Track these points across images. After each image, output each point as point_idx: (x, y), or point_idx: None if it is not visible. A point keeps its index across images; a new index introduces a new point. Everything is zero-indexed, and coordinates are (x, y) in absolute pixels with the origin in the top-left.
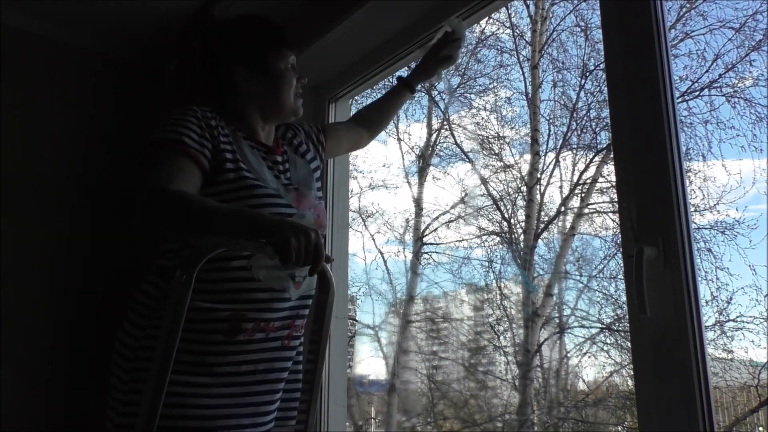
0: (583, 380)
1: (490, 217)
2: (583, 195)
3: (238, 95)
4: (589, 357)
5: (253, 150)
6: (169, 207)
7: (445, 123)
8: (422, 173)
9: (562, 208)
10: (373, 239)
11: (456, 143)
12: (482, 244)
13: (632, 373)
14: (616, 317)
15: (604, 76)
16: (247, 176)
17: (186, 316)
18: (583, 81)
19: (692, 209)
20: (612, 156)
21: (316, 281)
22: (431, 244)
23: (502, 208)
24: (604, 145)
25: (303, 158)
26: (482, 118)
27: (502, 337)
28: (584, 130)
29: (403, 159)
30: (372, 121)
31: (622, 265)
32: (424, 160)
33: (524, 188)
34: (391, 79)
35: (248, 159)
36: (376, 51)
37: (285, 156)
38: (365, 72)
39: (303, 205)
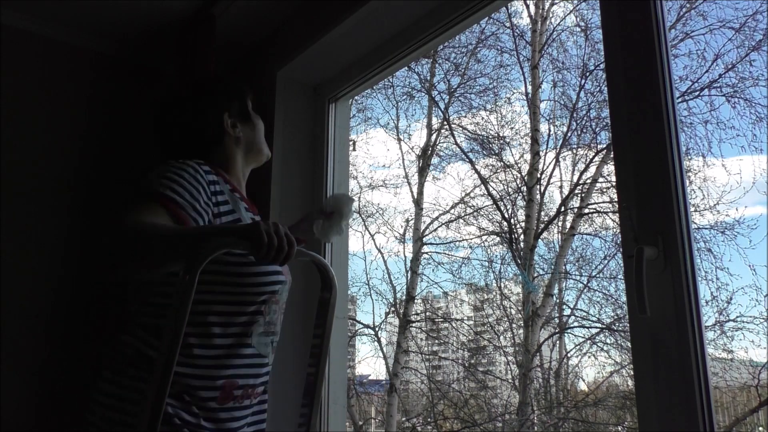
0: (583, 380)
1: (490, 217)
2: (583, 195)
3: (225, 143)
4: (589, 357)
5: (247, 212)
6: (144, 234)
7: (445, 123)
8: (422, 173)
9: (562, 208)
10: (373, 239)
11: (456, 143)
12: (482, 244)
13: (632, 373)
14: (616, 317)
15: (604, 76)
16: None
17: (186, 382)
18: (583, 81)
19: (692, 209)
20: (612, 156)
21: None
22: (431, 244)
23: (502, 208)
24: (604, 145)
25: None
26: (482, 118)
27: (502, 337)
28: (584, 130)
29: (403, 159)
30: None
31: (622, 265)
32: (424, 160)
33: (524, 188)
34: (391, 79)
35: (241, 214)
36: (376, 51)
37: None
38: (365, 72)
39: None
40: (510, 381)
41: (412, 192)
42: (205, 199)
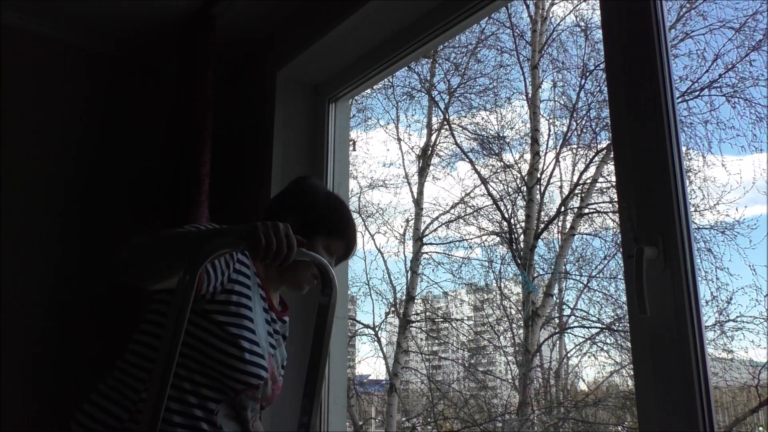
0: (583, 380)
1: (490, 217)
2: (583, 195)
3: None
4: (589, 357)
5: (262, 301)
6: (149, 240)
7: (445, 123)
8: (422, 173)
9: (562, 208)
10: (373, 239)
11: (456, 143)
12: (482, 244)
13: (632, 373)
14: (616, 317)
15: (604, 76)
16: (245, 312)
17: None
18: (583, 81)
19: (692, 209)
20: (612, 156)
21: None
22: (431, 244)
23: (502, 208)
24: (604, 145)
25: (283, 340)
26: (482, 118)
27: (502, 337)
28: (584, 130)
29: (403, 159)
30: None
31: (622, 265)
32: (424, 160)
33: (524, 188)
34: (391, 79)
35: (255, 305)
36: (376, 51)
37: (281, 327)
38: (365, 72)
39: (270, 373)
40: (510, 381)
41: (412, 192)
42: (228, 263)
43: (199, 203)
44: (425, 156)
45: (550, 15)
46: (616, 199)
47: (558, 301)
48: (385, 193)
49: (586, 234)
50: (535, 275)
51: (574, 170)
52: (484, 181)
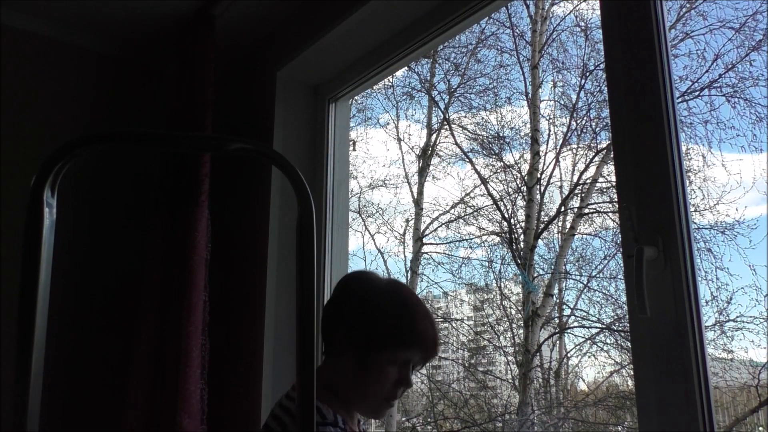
0: (583, 380)
1: (490, 217)
2: (583, 195)
3: (333, 356)
4: (589, 357)
5: None
6: None
7: (445, 123)
8: (422, 173)
9: (562, 208)
10: (373, 239)
11: (456, 143)
12: (482, 244)
13: (632, 373)
14: (616, 317)
15: (604, 76)
16: None
17: None
18: (583, 81)
19: (692, 209)
20: (612, 156)
21: None
22: (431, 243)
23: (502, 208)
24: (604, 145)
25: None
26: (482, 118)
27: (502, 337)
28: (584, 130)
29: (403, 159)
30: None
31: (622, 265)
32: (424, 160)
33: (524, 188)
34: (391, 79)
35: None
36: (376, 51)
37: None
38: (365, 72)
39: None
40: (510, 381)
41: (412, 192)
42: None
43: (199, 203)
44: (425, 156)
45: (550, 15)
46: (616, 199)
47: (558, 301)
48: (385, 193)
49: (586, 234)
50: (535, 275)
51: (574, 170)
52: (484, 181)
